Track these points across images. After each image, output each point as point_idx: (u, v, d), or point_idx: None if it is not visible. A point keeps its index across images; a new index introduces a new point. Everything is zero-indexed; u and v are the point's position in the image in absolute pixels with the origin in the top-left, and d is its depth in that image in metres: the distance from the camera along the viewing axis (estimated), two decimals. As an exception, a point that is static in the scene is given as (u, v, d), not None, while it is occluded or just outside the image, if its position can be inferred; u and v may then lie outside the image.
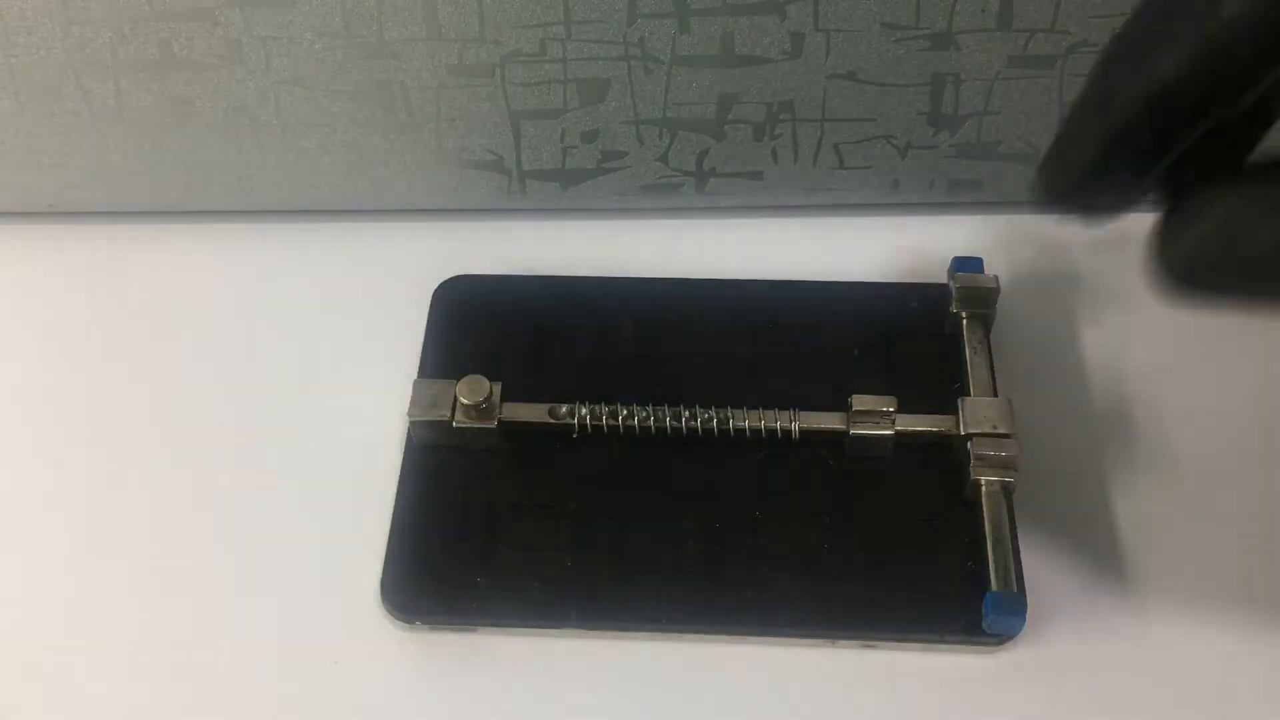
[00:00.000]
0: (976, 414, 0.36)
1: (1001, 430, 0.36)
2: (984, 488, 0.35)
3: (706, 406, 0.37)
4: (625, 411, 0.37)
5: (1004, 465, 0.35)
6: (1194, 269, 0.25)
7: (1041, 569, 0.35)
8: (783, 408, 0.37)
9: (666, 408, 0.37)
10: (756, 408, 0.37)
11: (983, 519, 0.35)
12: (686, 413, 0.37)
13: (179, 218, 0.45)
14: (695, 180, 0.44)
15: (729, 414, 0.37)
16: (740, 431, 0.37)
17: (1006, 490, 0.35)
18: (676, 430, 0.37)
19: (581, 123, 0.42)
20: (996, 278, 0.39)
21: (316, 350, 0.41)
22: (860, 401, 0.36)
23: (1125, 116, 0.24)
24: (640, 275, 0.42)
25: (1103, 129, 0.25)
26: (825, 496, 0.36)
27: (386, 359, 0.40)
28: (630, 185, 0.44)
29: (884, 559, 0.35)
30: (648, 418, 0.37)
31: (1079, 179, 0.26)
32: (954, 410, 0.37)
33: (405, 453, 0.38)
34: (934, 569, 0.35)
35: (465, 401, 0.37)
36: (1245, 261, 0.25)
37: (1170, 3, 0.24)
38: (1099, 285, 0.42)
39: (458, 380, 0.37)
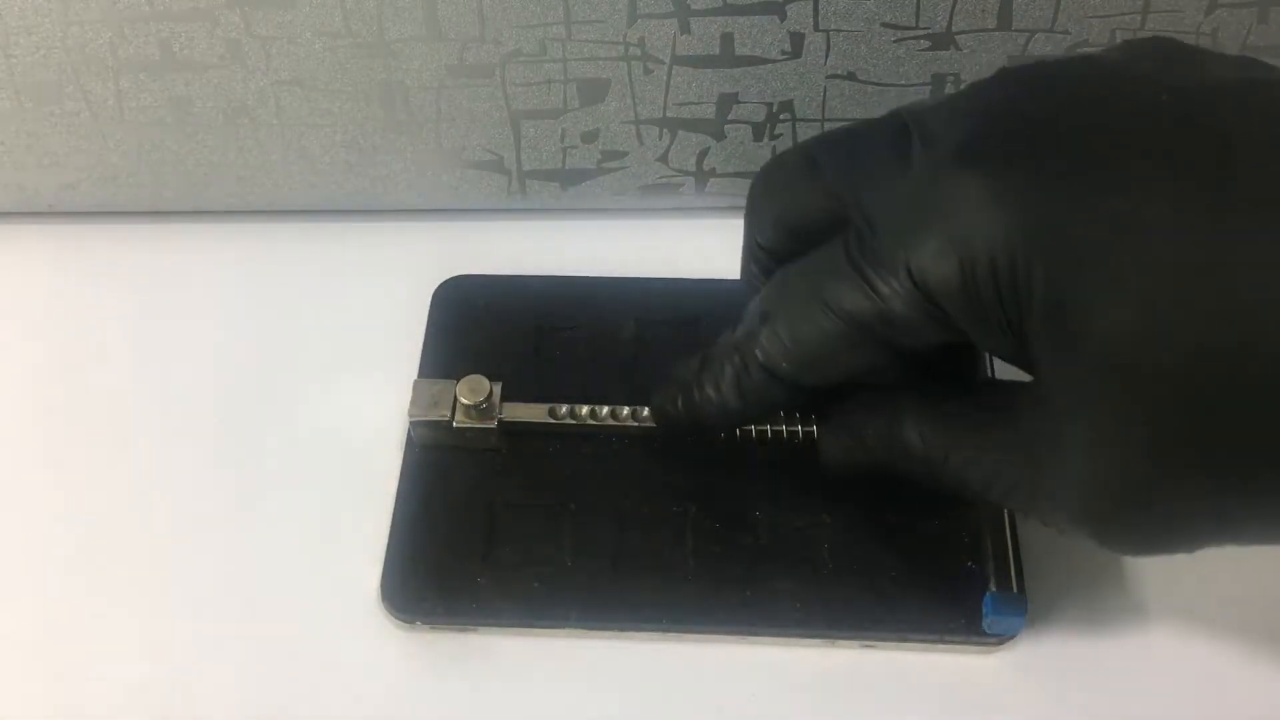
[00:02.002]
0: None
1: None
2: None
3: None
4: (625, 411, 0.37)
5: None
6: (844, 472, 0.34)
7: (1041, 569, 0.35)
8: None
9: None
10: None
11: (982, 519, 0.35)
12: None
13: (179, 218, 0.45)
14: (695, 180, 0.44)
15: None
16: (742, 433, 0.37)
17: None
18: (676, 430, 0.37)
19: (581, 123, 0.42)
20: None
21: (316, 350, 0.41)
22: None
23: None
24: (640, 275, 0.42)
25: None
26: (825, 496, 0.36)
27: (386, 359, 0.40)
28: (630, 185, 0.44)
29: (884, 559, 0.35)
30: (648, 418, 0.37)
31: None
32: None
33: (405, 452, 0.38)
34: (934, 569, 0.35)
35: (465, 401, 0.37)
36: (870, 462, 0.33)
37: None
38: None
39: (458, 380, 0.37)
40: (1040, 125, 0.27)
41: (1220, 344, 0.25)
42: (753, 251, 0.33)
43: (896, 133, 0.29)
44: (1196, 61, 0.28)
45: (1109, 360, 0.25)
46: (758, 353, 0.31)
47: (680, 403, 0.34)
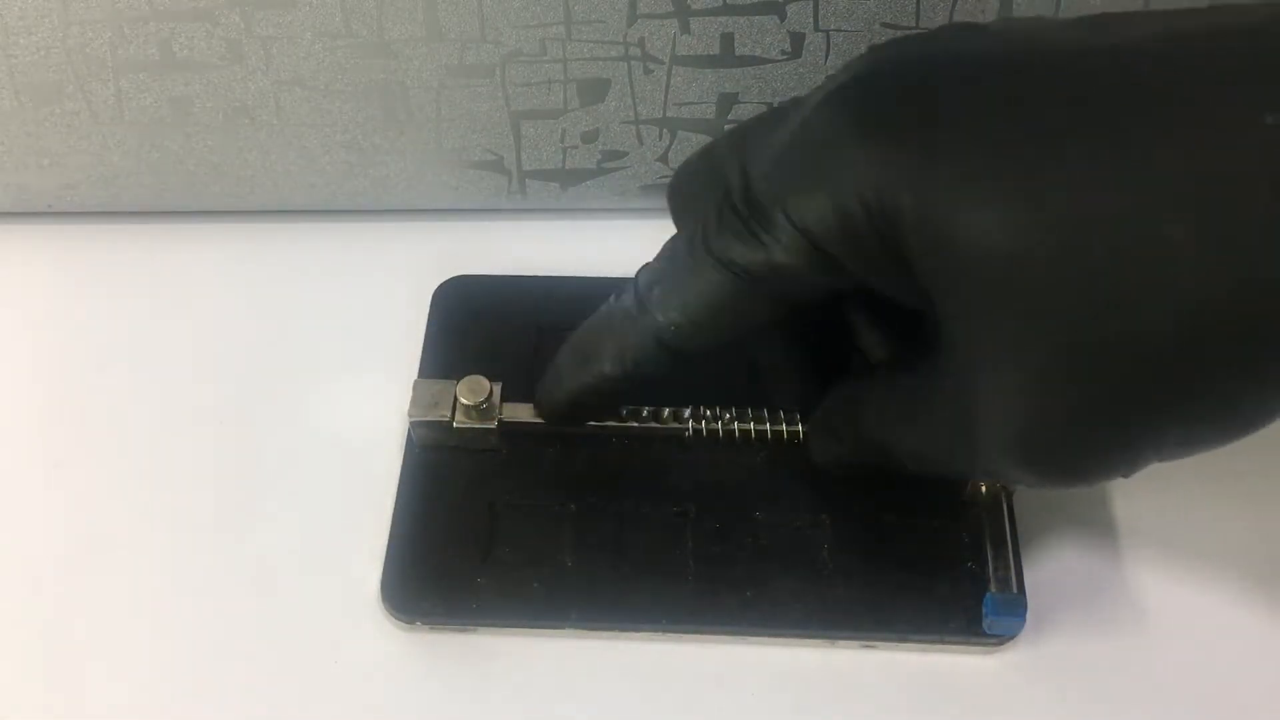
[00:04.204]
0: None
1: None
2: (984, 488, 0.35)
3: (708, 407, 0.37)
4: (625, 411, 0.37)
5: (1004, 465, 0.35)
6: (833, 469, 0.35)
7: (1041, 569, 0.35)
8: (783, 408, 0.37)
9: (667, 408, 0.37)
10: (759, 408, 0.37)
11: (982, 519, 0.35)
12: (687, 412, 0.37)
13: (179, 218, 0.45)
14: (695, 180, 0.44)
15: (730, 414, 0.37)
16: (742, 432, 0.37)
17: (1006, 490, 0.35)
18: (677, 430, 0.37)
19: (581, 123, 0.42)
20: None
21: (316, 350, 0.41)
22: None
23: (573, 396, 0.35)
24: (640, 275, 0.42)
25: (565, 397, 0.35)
26: (825, 496, 0.36)
27: (386, 359, 0.40)
28: (630, 185, 0.44)
29: (884, 559, 0.35)
30: (648, 418, 0.37)
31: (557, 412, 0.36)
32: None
33: (405, 453, 0.38)
34: (934, 569, 0.35)
35: (465, 401, 0.37)
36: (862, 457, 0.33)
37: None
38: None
39: (458, 380, 0.37)
40: (902, 68, 0.28)
41: (1083, 244, 0.25)
42: None
43: (782, 109, 0.31)
44: (1051, 26, 0.29)
45: (982, 264, 0.26)
46: (648, 320, 0.31)
47: (561, 386, 0.34)
